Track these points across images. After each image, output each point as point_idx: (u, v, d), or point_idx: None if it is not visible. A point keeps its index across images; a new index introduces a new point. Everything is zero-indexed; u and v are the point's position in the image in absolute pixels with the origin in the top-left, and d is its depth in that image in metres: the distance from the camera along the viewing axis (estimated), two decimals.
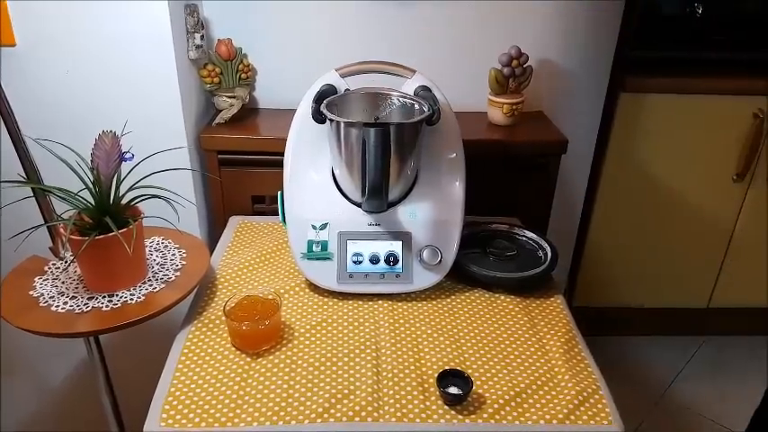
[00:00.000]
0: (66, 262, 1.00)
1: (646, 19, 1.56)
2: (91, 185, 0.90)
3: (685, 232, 1.81)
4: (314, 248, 0.99)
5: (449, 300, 1.01)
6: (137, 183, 0.93)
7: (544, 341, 0.92)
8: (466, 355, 0.88)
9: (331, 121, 0.94)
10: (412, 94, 1.02)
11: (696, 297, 1.92)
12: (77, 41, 1.13)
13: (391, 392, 0.81)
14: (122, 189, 0.92)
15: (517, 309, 0.99)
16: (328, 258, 0.99)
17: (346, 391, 0.80)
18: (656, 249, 1.86)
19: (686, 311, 1.93)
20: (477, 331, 0.93)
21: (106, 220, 0.86)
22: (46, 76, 1.16)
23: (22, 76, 1.15)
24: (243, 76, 1.36)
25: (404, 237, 1.00)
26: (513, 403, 0.79)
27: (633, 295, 1.93)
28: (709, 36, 1.59)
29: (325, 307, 0.98)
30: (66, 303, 0.90)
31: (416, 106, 0.99)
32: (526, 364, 0.87)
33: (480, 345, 0.90)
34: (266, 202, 1.36)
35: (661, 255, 1.86)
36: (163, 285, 0.95)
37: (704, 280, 1.89)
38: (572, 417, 0.78)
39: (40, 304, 0.90)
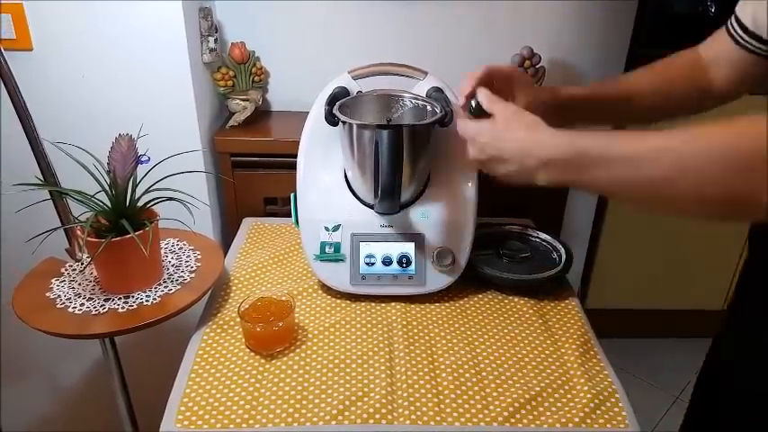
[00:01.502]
0: (82, 264, 1.01)
1: (658, 18, 1.55)
2: (107, 188, 0.91)
3: (701, 233, 1.79)
4: (326, 250, 0.99)
5: (462, 302, 1.01)
6: (152, 185, 0.93)
7: (559, 344, 0.91)
8: (480, 358, 0.88)
9: (344, 123, 0.94)
10: (424, 95, 1.02)
11: (712, 299, 1.90)
12: (93, 45, 1.15)
13: (405, 395, 0.81)
14: (138, 191, 0.93)
15: (531, 311, 0.98)
16: (341, 260, 0.99)
17: (360, 393, 0.81)
18: (670, 250, 1.84)
19: (702, 313, 1.91)
20: (490, 333, 0.93)
21: (122, 222, 0.87)
22: (62, 79, 1.17)
23: (39, 80, 1.16)
24: (256, 78, 1.37)
25: (416, 238, 1.00)
26: (528, 406, 0.79)
27: (647, 297, 1.92)
28: None
29: (338, 308, 0.98)
30: (82, 305, 0.91)
31: (429, 108, 0.99)
32: (541, 366, 0.86)
33: (494, 347, 0.90)
34: (279, 204, 1.36)
35: (676, 256, 1.85)
36: (178, 287, 0.96)
37: (720, 281, 1.87)
38: (588, 420, 0.77)
39: (57, 306, 0.91)
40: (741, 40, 0.74)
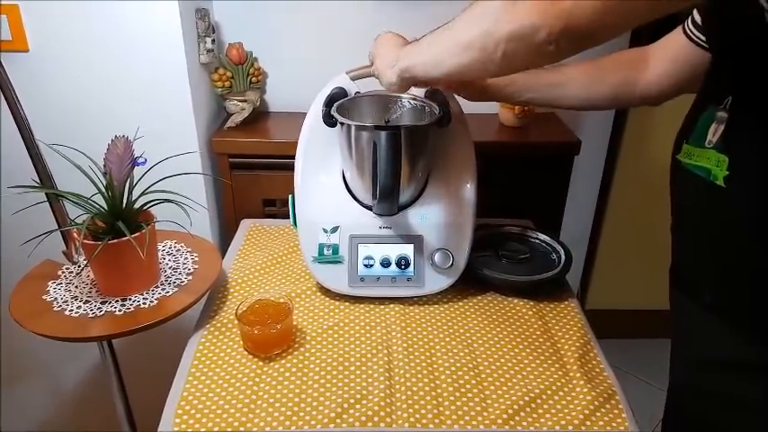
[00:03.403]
0: (79, 266, 1.01)
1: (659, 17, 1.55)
2: (104, 190, 0.90)
3: None
4: (325, 252, 0.99)
5: (461, 303, 1.00)
6: (149, 187, 0.93)
7: (558, 345, 0.91)
8: (479, 360, 0.87)
9: (342, 124, 0.94)
10: (422, 96, 1.01)
11: None
12: (89, 47, 1.14)
13: (404, 397, 0.80)
14: (135, 193, 0.92)
15: (531, 312, 0.98)
16: (339, 262, 0.99)
17: (359, 396, 0.80)
18: (669, 251, 1.84)
19: None
20: (490, 335, 0.93)
21: (119, 224, 0.87)
22: (58, 81, 1.17)
23: (35, 82, 1.16)
24: (254, 79, 1.37)
25: (415, 240, 0.99)
26: (527, 408, 0.79)
27: (647, 297, 1.91)
28: None
29: (337, 311, 0.97)
30: (79, 308, 0.91)
31: (427, 108, 0.99)
32: (541, 368, 0.86)
33: (494, 349, 0.90)
34: (277, 206, 1.36)
35: None
36: (175, 289, 0.95)
37: None
38: (588, 422, 0.77)
39: (54, 308, 0.91)
40: (692, 35, 0.82)
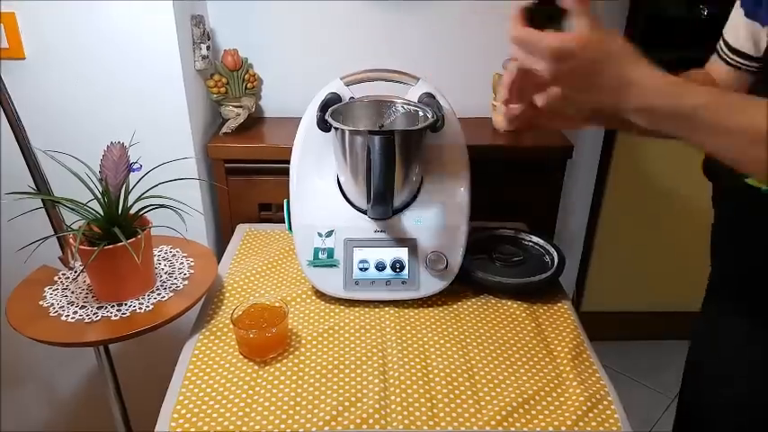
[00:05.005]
0: (75, 272, 1.01)
1: (651, 21, 1.56)
2: (100, 196, 0.91)
3: (694, 235, 1.79)
4: (320, 256, 1.00)
5: (455, 306, 1.01)
6: (145, 193, 0.94)
7: (552, 347, 0.91)
8: (473, 362, 0.88)
9: (336, 129, 0.95)
10: (416, 101, 1.02)
11: None
12: (85, 54, 1.15)
13: (398, 399, 0.81)
14: (131, 199, 0.93)
15: (524, 314, 0.99)
16: (334, 265, 0.99)
17: (353, 399, 0.81)
18: (664, 253, 1.85)
19: (695, 315, 1.91)
20: (484, 337, 0.93)
21: (115, 230, 0.87)
22: (55, 88, 1.17)
23: (31, 89, 1.16)
24: (249, 85, 1.37)
25: (409, 243, 1.00)
26: (521, 410, 0.79)
27: (644, 299, 1.92)
28: (715, 38, 1.59)
29: (332, 314, 0.98)
30: (75, 313, 0.91)
31: (421, 113, 1.00)
32: (534, 370, 0.86)
33: (488, 351, 0.90)
34: (273, 210, 1.37)
35: (669, 258, 1.85)
36: (171, 294, 0.96)
37: None
38: (580, 423, 0.77)
39: (50, 314, 0.91)
40: (728, 59, 0.79)
